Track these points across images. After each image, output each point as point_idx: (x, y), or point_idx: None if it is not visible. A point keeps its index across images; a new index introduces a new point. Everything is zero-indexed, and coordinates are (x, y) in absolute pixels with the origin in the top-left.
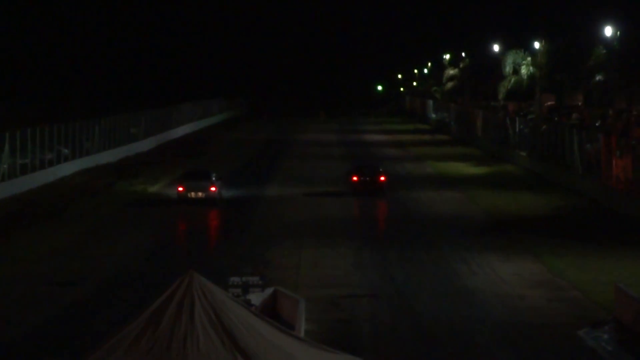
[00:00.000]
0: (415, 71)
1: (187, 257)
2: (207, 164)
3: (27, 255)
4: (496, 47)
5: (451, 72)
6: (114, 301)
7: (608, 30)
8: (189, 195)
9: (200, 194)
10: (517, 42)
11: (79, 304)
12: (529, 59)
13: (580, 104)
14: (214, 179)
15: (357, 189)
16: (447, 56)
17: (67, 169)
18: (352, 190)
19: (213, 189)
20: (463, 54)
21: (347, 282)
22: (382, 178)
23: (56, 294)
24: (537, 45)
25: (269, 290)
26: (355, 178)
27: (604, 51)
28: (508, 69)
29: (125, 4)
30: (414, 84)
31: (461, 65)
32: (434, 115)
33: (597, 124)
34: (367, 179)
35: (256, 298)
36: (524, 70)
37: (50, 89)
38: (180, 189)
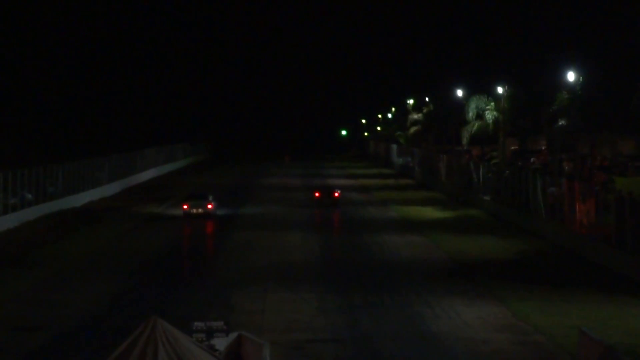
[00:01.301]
0: (379, 116)
1: (151, 302)
2: (172, 208)
3: None
4: (459, 92)
5: (415, 116)
6: (78, 346)
7: (571, 76)
8: (192, 211)
9: (200, 210)
10: (480, 87)
11: (42, 350)
12: (492, 104)
13: (543, 148)
14: (210, 199)
15: (319, 202)
16: (411, 101)
17: (30, 213)
18: (316, 203)
19: (210, 206)
20: (427, 99)
21: (312, 326)
22: (336, 194)
23: (20, 339)
24: (500, 90)
25: (233, 335)
26: (317, 194)
27: (567, 96)
28: (471, 114)
29: (89, 49)
30: (378, 128)
31: (425, 110)
32: (398, 160)
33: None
34: (326, 194)
35: (220, 343)
36: (488, 115)
37: (13, 133)
38: (185, 207)
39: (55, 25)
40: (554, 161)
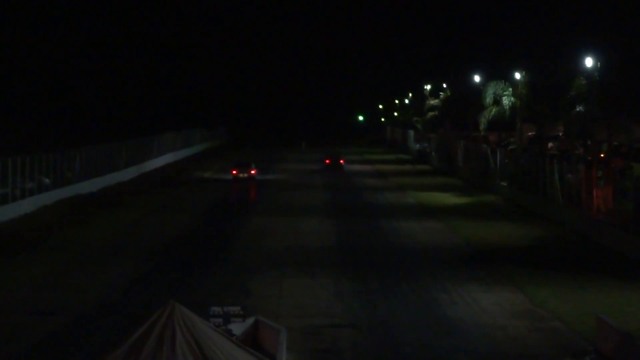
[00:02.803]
0: (397, 101)
1: (168, 287)
2: (188, 193)
3: (8, 284)
4: (477, 78)
5: (432, 102)
6: (95, 331)
7: (589, 61)
8: (239, 175)
9: (245, 174)
10: (497, 72)
11: (59, 334)
12: (510, 89)
13: (560, 134)
14: (253, 166)
15: (327, 167)
16: (428, 87)
17: (47, 198)
18: (324, 168)
19: (253, 172)
20: (444, 85)
21: (328, 311)
22: (342, 161)
23: (36, 323)
24: (517, 76)
25: (250, 320)
26: (327, 161)
27: (585, 82)
28: (489, 99)
29: (109, 36)
30: (395, 114)
31: (442, 96)
32: (415, 146)
33: (577, 152)
34: (334, 161)
35: (237, 328)
36: (506, 101)
37: (31, 118)
38: (234, 172)
39: (74, 9)
40: (572, 147)
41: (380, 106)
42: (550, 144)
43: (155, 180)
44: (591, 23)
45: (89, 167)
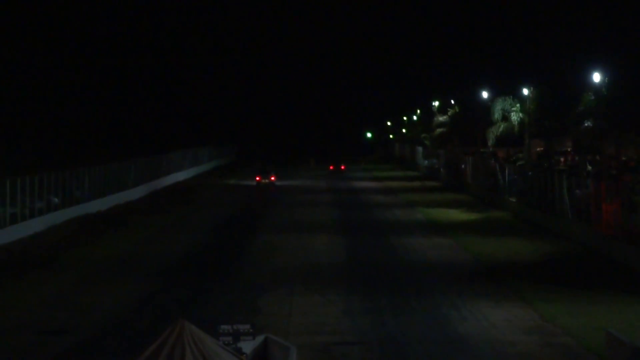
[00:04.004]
0: (405, 118)
1: (177, 305)
2: (198, 210)
3: (17, 304)
4: (485, 94)
5: (440, 118)
6: (105, 349)
7: (596, 76)
8: (262, 181)
9: (267, 180)
10: (505, 88)
11: (69, 353)
12: (518, 105)
13: (569, 149)
14: (273, 173)
15: (331, 172)
16: (436, 103)
17: (57, 217)
18: (329, 173)
19: (272, 178)
20: (452, 101)
21: (338, 328)
22: (342, 167)
23: (46, 342)
24: (525, 91)
25: (259, 338)
26: (331, 167)
27: (593, 97)
28: (497, 115)
29: (116, 56)
30: (403, 130)
31: (450, 112)
32: (424, 162)
33: (588, 169)
34: (337, 167)
35: (247, 346)
36: (514, 117)
37: (40, 138)
38: (258, 178)
39: (82, 29)
40: (581, 162)
41: (389, 123)
42: (561, 159)
43: (166, 197)
44: (598, 38)
45: (97, 186)
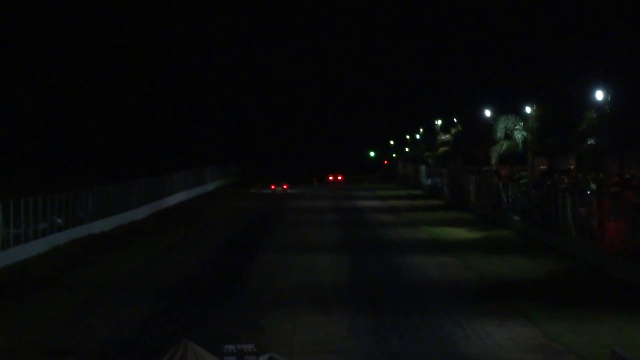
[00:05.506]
0: (408, 137)
1: (181, 325)
2: (202, 231)
3: (21, 325)
4: (488, 113)
5: (443, 137)
6: None
7: (599, 94)
8: (277, 189)
9: (280, 189)
10: (508, 107)
11: None
12: (521, 123)
13: (572, 167)
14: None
15: (330, 183)
16: (439, 122)
17: (60, 238)
18: (330, 184)
19: (285, 186)
20: (455, 120)
21: (342, 348)
22: (340, 178)
23: None
24: (528, 109)
25: (263, 358)
26: (331, 178)
27: (595, 115)
28: (500, 134)
29: (119, 75)
30: (407, 149)
31: (453, 131)
32: (427, 181)
33: (592, 187)
34: (336, 179)
35: None
36: (517, 135)
37: (43, 158)
38: (273, 187)
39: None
40: (585, 180)
41: (392, 142)
42: (565, 178)
43: (170, 217)
44: (601, 56)
45: (101, 207)
